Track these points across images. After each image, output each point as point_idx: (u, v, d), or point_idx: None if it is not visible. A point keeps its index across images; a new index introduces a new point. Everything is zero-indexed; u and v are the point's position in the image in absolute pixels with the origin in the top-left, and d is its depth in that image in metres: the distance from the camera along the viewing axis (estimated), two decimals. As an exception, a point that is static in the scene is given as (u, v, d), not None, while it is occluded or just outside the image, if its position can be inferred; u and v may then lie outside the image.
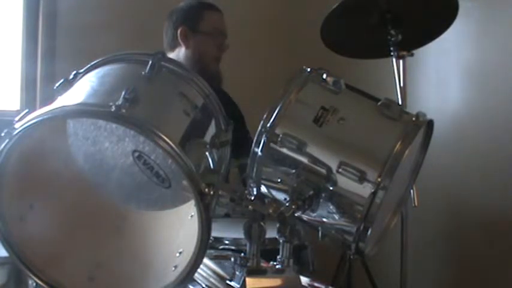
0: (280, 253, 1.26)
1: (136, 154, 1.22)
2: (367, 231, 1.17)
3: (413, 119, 1.22)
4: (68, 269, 1.26)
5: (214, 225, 1.12)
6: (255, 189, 1.26)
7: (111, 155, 1.26)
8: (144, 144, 1.20)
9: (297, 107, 1.24)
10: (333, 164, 1.18)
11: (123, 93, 1.09)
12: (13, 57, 2.85)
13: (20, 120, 1.13)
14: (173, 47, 2.38)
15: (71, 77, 1.28)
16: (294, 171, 1.21)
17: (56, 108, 1.13)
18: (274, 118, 1.22)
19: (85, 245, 1.30)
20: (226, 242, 1.64)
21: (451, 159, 2.60)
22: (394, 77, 2.18)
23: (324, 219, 1.26)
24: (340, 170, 1.17)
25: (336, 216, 1.23)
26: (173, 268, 1.18)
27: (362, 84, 1.30)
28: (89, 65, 1.29)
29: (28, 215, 1.24)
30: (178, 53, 2.36)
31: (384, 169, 1.15)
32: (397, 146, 1.17)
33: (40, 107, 1.14)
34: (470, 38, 2.62)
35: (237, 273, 1.23)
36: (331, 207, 1.22)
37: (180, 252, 1.20)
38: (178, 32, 2.35)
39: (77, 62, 1.33)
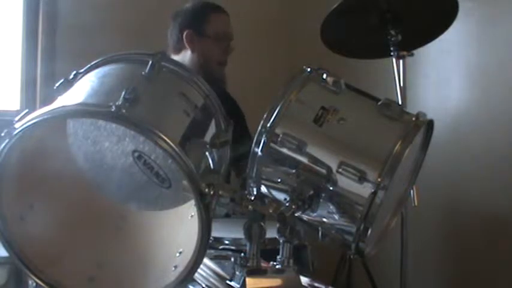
0: (280, 253, 1.25)
1: (136, 154, 1.22)
2: (367, 231, 1.17)
3: (414, 119, 1.22)
4: (68, 269, 1.26)
5: (214, 225, 1.12)
6: (255, 189, 1.26)
7: (111, 155, 1.26)
8: (144, 144, 1.20)
9: (297, 107, 1.24)
10: (333, 164, 1.18)
11: (123, 93, 1.09)
12: (13, 57, 2.85)
13: (20, 120, 1.13)
14: (178, 49, 2.34)
15: (71, 77, 1.28)
16: (294, 171, 1.21)
17: (56, 108, 1.13)
18: (274, 118, 1.22)
19: (85, 245, 1.30)
20: (226, 242, 1.63)
21: (451, 159, 2.60)
22: (394, 77, 2.18)
23: (324, 219, 1.26)
24: (340, 170, 1.17)
25: (336, 216, 1.23)
26: (173, 268, 1.18)
27: (362, 84, 1.30)
28: (89, 65, 1.29)
29: (28, 215, 1.24)
30: (184, 56, 2.32)
31: (383, 169, 1.15)
32: (397, 146, 1.17)
33: (40, 107, 1.14)
34: (470, 38, 2.62)
35: (237, 273, 1.23)
36: (331, 207, 1.21)
37: (180, 252, 1.20)
38: (184, 35, 2.31)
39: (77, 62, 1.33)
